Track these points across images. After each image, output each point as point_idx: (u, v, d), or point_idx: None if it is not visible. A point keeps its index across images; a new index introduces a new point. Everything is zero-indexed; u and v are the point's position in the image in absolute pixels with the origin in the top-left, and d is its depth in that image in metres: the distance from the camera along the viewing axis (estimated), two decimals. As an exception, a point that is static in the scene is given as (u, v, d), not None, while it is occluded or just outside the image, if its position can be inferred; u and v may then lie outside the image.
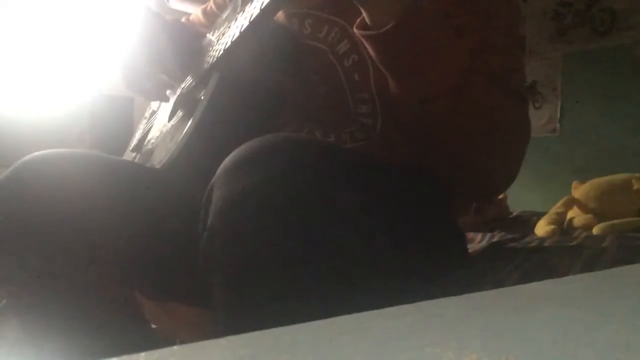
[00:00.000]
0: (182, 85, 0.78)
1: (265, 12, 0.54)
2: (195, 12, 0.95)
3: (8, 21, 1.61)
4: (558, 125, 2.52)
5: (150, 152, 0.76)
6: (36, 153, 0.63)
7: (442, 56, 0.53)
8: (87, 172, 0.63)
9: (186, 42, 0.77)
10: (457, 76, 0.53)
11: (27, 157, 0.62)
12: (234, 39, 0.59)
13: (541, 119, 2.54)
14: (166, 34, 0.73)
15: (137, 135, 0.97)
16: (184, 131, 0.62)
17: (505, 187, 0.66)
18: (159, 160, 0.68)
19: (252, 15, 0.55)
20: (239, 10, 0.63)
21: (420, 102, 0.56)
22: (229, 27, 0.64)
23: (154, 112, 0.94)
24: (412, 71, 0.54)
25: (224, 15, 0.73)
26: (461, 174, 0.62)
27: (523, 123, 0.62)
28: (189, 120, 0.63)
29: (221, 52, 0.63)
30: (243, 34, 0.57)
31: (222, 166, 0.47)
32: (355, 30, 0.54)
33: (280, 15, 0.71)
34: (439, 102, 0.54)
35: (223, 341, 0.21)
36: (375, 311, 0.23)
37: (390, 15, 0.50)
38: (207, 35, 0.79)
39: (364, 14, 0.52)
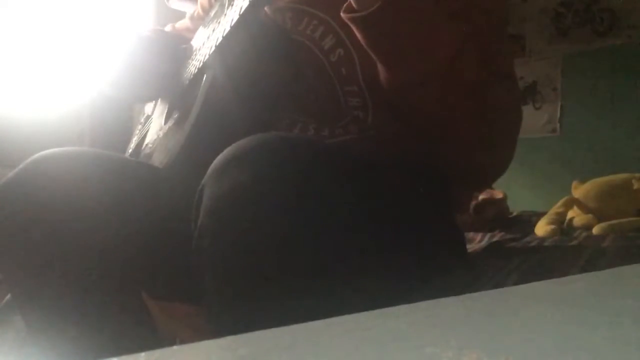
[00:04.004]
0: (174, 89, 0.79)
1: (254, 4, 0.54)
2: (184, 19, 0.97)
3: (8, 21, 1.61)
4: (558, 125, 2.51)
5: (149, 155, 0.76)
6: (45, 152, 0.63)
7: (430, 38, 0.53)
8: (94, 171, 0.64)
9: (168, 54, 0.80)
10: (447, 58, 0.53)
11: (36, 156, 0.63)
12: (224, 34, 0.59)
13: (541, 119, 2.54)
14: (145, 54, 0.77)
15: (134, 140, 0.97)
16: (183, 131, 0.62)
17: (499, 171, 0.66)
18: (159, 161, 0.68)
19: (241, 8, 0.55)
20: (227, 6, 0.63)
21: (409, 86, 0.55)
22: (219, 23, 0.64)
23: (148, 117, 0.94)
24: (400, 53, 0.54)
25: (212, 13, 0.73)
26: (455, 159, 0.62)
27: (513, 104, 0.63)
28: (187, 120, 0.63)
29: (213, 48, 0.63)
30: (234, 28, 0.57)
31: (212, 166, 0.47)
32: (342, 14, 0.54)
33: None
34: (428, 86, 0.54)
35: (223, 341, 0.21)
36: (375, 311, 0.23)
37: None
38: (197, 33, 0.79)
39: None
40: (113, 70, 0.82)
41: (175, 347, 0.20)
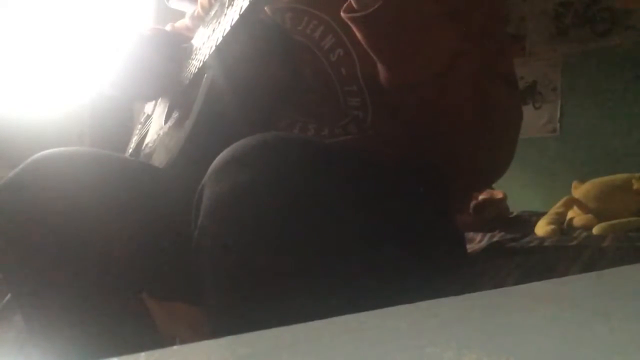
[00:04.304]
0: (174, 89, 0.79)
1: (255, 3, 0.54)
2: (184, 19, 0.97)
3: (8, 21, 1.61)
4: (558, 125, 2.51)
5: (149, 155, 0.76)
6: (44, 152, 0.63)
7: (430, 38, 0.53)
8: (94, 171, 0.64)
9: (168, 53, 0.81)
10: (446, 58, 0.53)
11: (36, 156, 0.63)
12: (224, 33, 0.59)
13: (541, 119, 2.54)
14: (146, 53, 0.79)
15: (134, 140, 0.97)
16: (183, 130, 0.62)
17: (499, 172, 0.66)
18: (159, 161, 0.68)
19: (241, 8, 0.55)
20: (227, 5, 0.63)
21: (409, 86, 0.56)
22: (219, 23, 0.64)
23: (148, 117, 0.94)
24: (400, 53, 0.54)
25: (212, 13, 0.73)
26: (454, 159, 0.62)
27: (513, 105, 0.63)
28: (187, 119, 0.63)
29: (213, 48, 0.63)
30: (234, 28, 0.57)
31: (212, 166, 0.47)
32: (342, 14, 0.54)
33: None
34: (428, 86, 0.54)
35: (223, 341, 0.21)
36: (375, 311, 0.23)
37: None
38: (197, 33, 0.80)
39: None
40: (114, 69, 0.82)
41: (175, 347, 0.20)
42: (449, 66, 0.53)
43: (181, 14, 1.02)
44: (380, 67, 0.56)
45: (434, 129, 0.59)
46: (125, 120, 1.73)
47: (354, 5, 0.52)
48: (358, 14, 0.52)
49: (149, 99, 0.94)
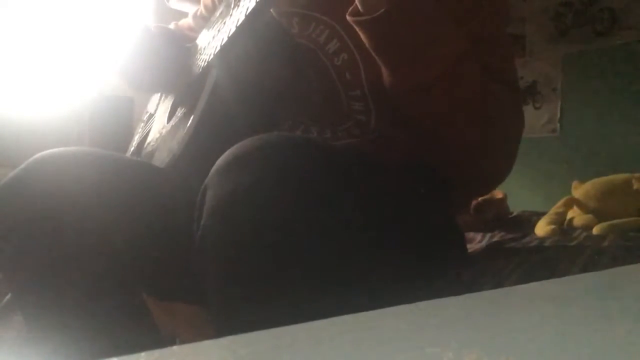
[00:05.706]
0: (178, 87, 0.79)
1: (261, 5, 0.54)
2: (187, 18, 0.97)
3: (8, 21, 1.61)
4: (558, 125, 2.51)
5: (151, 154, 0.76)
6: (45, 152, 0.63)
7: (435, 42, 0.53)
8: (95, 171, 0.64)
9: (173, 51, 0.81)
10: (450, 63, 0.53)
11: (36, 156, 0.63)
12: (230, 34, 0.59)
13: (541, 119, 2.54)
14: (152, 48, 0.79)
15: (136, 138, 0.97)
16: (186, 129, 0.62)
17: (500, 177, 0.66)
18: (160, 160, 0.68)
19: (247, 9, 0.55)
20: (233, 6, 0.63)
21: (413, 90, 0.56)
22: (224, 23, 0.64)
23: (151, 115, 0.94)
24: (404, 57, 0.54)
25: (218, 13, 0.73)
26: (457, 164, 0.62)
27: (516, 111, 0.63)
28: (189, 119, 0.63)
29: (218, 48, 0.63)
30: (239, 28, 0.57)
31: (215, 166, 0.47)
32: (347, 17, 0.54)
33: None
34: (432, 90, 0.55)
35: (223, 341, 0.21)
36: (375, 311, 0.23)
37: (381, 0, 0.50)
38: (201, 33, 0.80)
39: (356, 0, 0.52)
40: (121, 57, 0.82)
41: (175, 347, 0.20)
42: (452, 70, 0.54)
43: (181, 14, 1.02)
44: (384, 70, 0.56)
45: (435, 134, 0.59)
46: (126, 120, 1.73)
47: (360, 8, 0.52)
48: (364, 18, 0.52)
49: (153, 90, 0.94)
